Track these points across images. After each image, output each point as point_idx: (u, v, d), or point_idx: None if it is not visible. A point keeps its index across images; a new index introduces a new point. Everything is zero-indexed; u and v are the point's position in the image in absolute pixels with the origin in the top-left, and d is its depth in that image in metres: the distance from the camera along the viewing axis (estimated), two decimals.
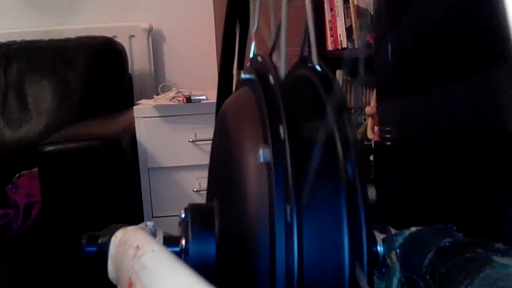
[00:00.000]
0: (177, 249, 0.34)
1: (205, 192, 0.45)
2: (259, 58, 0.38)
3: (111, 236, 0.34)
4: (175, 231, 0.36)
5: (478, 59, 0.54)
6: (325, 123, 0.34)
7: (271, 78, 0.34)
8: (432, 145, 0.57)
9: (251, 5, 0.53)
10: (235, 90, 0.43)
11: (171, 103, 1.48)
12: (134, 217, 1.42)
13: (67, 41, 1.75)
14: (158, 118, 1.46)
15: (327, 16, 1.50)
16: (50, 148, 1.23)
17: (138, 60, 1.95)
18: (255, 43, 0.49)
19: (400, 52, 0.60)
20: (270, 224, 0.29)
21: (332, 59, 1.52)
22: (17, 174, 1.45)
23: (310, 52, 0.38)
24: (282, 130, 0.31)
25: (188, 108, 1.47)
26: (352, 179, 0.31)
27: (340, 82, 1.49)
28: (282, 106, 0.32)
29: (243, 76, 0.39)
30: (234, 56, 0.66)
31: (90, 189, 1.25)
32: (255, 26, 0.49)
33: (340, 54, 1.47)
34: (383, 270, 0.34)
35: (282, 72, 0.37)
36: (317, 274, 0.30)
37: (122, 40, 1.85)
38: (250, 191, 0.32)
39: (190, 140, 1.47)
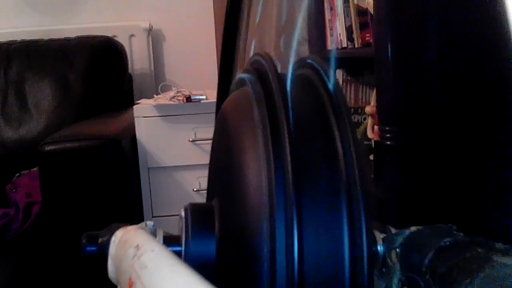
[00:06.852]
0: (177, 248, 0.34)
1: (205, 191, 0.45)
2: (259, 57, 0.38)
3: (111, 236, 0.34)
4: (175, 230, 0.36)
5: (478, 58, 0.54)
6: (325, 122, 0.34)
7: (271, 78, 0.34)
8: (432, 144, 0.57)
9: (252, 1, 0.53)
10: (231, 89, 0.43)
11: (171, 102, 1.48)
12: (134, 216, 1.42)
13: (67, 40, 1.75)
14: (158, 117, 1.46)
15: (327, 15, 1.50)
16: (50, 147, 1.23)
17: (138, 59, 1.95)
18: (256, 42, 0.49)
19: (400, 52, 0.60)
20: (270, 224, 0.29)
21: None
22: (17, 174, 1.45)
23: (310, 51, 0.38)
24: (282, 130, 0.31)
25: (188, 108, 1.47)
26: (352, 179, 0.31)
27: (340, 81, 1.49)
28: (282, 106, 0.32)
29: (243, 75, 0.39)
30: (234, 55, 0.66)
31: (90, 189, 1.25)
32: (256, 23, 0.49)
33: (340, 53, 1.47)
34: (383, 269, 0.34)
35: (290, 70, 0.37)
36: (317, 273, 0.30)
37: (122, 39, 1.85)
38: (250, 191, 0.32)
39: (190, 139, 1.47)
